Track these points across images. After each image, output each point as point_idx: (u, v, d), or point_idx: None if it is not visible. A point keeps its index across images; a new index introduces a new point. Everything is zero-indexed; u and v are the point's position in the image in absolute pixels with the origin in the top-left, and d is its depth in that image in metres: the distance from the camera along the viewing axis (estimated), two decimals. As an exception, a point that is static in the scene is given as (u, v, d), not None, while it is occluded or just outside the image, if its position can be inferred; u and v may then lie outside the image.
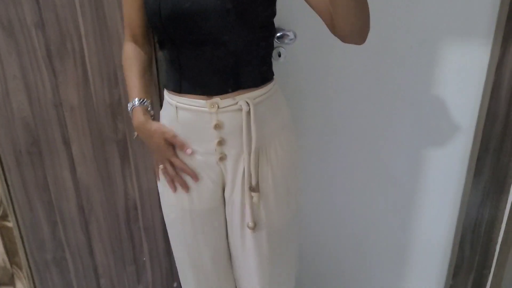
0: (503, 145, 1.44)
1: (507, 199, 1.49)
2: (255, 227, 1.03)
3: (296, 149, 1.09)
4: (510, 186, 1.48)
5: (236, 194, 1.03)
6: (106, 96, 1.34)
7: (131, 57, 1.06)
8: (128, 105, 1.04)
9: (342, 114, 1.44)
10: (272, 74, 1.03)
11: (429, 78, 1.39)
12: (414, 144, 1.48)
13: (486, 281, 1.62)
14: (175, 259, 1.23)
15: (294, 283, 1.22)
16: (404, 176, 1.52)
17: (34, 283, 0.51)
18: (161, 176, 1.08)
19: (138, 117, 1.02)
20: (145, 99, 1.03)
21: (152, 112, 1.05)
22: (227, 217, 1.09)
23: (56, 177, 1.43)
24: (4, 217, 0.48)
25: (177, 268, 1.24)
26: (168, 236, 1.19)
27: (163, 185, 1.10)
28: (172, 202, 1.08)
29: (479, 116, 1.43)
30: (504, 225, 1.51)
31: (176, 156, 1.02)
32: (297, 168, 1.10)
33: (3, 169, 0.47)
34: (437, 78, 1.39)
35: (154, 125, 1.01)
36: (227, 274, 1.20)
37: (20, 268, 0.47)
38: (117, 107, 1.35)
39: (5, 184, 0.49)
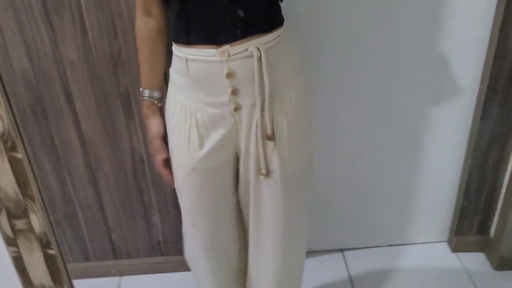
0: (511, 86, 1.42)
1: (514, 141, 1.49)
2: (268, 174, 1.03)
3: (310, 95, 1.08)
4: (517, 128, 1.47)
5: (251, 144, 1.02)
6: (106, 49, 1.32)
7: (143, 35, 1.05)
8: (140, 90, 1.10)
9: (350, 61, 1.42)
10: (282, 18, 1.00)
11: (437, 21, 1.35)
12: (421, 88, 1.46)
13: (491, 223, 1.64)
14: (183, 218, 1.22)
15: (308, 232, 1.24)
16: (411, 120, 1.51)
17: (48, 215, 0.52)
18: (172, 133, 1.07)
19: (144, 109, 1.10)
20: (155, 91, 1.09)
21: (159, 104, 1.10)
22: (240, 168, 1.08)
23: (61, 135, 1.44)
24: (13, 148, 0.48)
25: (184, 227, 1.24)
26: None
27: (173, 145, 1.07)
28: (183, 160, 1.06)
29: (487, 57, 1.40)
30: (511, 167, 1.51)
31: (163, 165, 1.13)
32: (312, 115, 1.10)
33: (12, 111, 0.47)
34: (444, 20, 1.35)
35: (153, 129, 1.10)
36: (237, 229, 1.21)
37: (33, 201, 0.48)
38: (118, 60, 1.33)
39: (11, 113, 0.49)
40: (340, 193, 1.65)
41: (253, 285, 1.26)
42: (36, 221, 0.51)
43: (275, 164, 1.03)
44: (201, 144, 1.03)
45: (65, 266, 0.56)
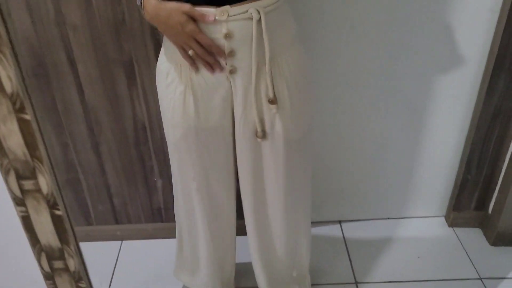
0: (518, 62, 1.40)
1: (517, 118, 1.49)
2: (265, 137, 1.05)
3: (306, 64, 1.09)
4: (521, 105, 1.47)
5: (249, 109, 1.03)
6: (109, 15, 1.30)
7: None
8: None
9: (354, 30, 1.40)
10: None
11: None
12: (427, 61, 1.44)
13: (491, 199, 1.66)
14: (174, 184, 1.25)
15: (310, 199, 1.26)
16: (416, 92, 1.50)
17: (56, 177, 0.53)
18: (167, 93, 1.06)
19: (150, 2, 0.95)
20: None
21: None
22: (236, 133, 1.10)
23: (64, 99, 1.43)
24: (22, 109, 0.48)
25: (175, 193, 1.26)
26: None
27: (167, 105, 1.08)
28: (177, 121, 1.07)
29: (496, 29, 1.38)
30: (513, 144, 1.52)
31: (200, 30, 0.94)
32: (310, 82, 1.10)
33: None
34: (453, -9, 1.33)
35: (169, 3, 0.93)
36: (232, 195, 1.23)
37: (41, 162, 0.48)
38: (121, 26, 1.32)
39: (20, 74, 0.49)
40: (340, 165, 1.66)
41: (255, 248, 1.29)
42: (44, 182, 0.51)
43: (277, 127, 1.05)
44: (196, 105, 1.04)
45: (72, 227, 0.57)
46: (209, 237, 1.26)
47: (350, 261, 1.62)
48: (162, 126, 1.17)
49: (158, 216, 1.70)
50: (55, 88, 1.41)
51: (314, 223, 1.76)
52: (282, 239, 1.26)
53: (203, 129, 1.07)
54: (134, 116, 1.47)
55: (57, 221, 0.55)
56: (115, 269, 1.63)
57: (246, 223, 1.27)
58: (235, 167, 1.18)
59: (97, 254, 1.68)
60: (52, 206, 0.54)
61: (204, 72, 1.00)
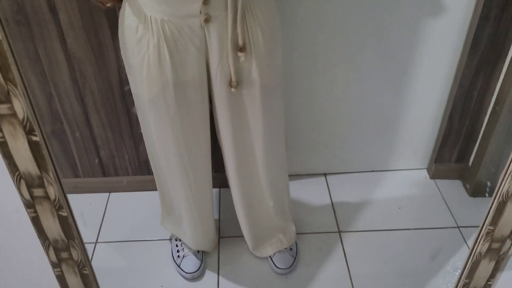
0: (503, 13, 1.40)
1: (501, 70, 1.50)
2: (239, 86, 1.06)
3: (277, 14, 1.10)
4: (505, 57, 1.47)
5: (225, 58, 1.03)
6: (90, -41, 1.27)
7: None
8: None
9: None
10: None
11: None
12: (412, 13, 1.44)
13: (471, 152, 1.69)
14: (148, 145, 1.26)
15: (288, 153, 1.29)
16: (400, 46, 1.50)
17: (30, 101, 0.53)
18: (139, 49, 1.03)
19: None
20: None
21: None
22: (214, 85, 1.09)
23: (46, 48, 1.41)
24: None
25: (150, 151, 1.28)
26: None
27: (140, 61, 1.04)
28: (154, 76, 1.05)
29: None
30: (495, 97, 1.54)
31: None
32: (281, 31, 1.11)
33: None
34: None
35: None
36: (208, 147, 1.24)
37: (15, 85, 0.48)
38: (103, -29, 1.28)
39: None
40: (325, 119, 1.67)
41: (238, 197, 1.32)
42: (19, 106, 0.51)
43: (254, 74, 1.06)
44: (172, 58, 1.02)
45: (50, 154, 0.58)
46: (188, 189, 1.28)
47: (334, 211, 1.66)
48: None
49: (145, 169, 1.72)
50: (37, 36, 1.39)
51: (300, 176, 1.80)
52: (263, 182, 1.29)
53: (181, 82, 1.06)
54: (118, 67, 1.46)
55: (34, 147, 0.56)
56: (103, 221, 1.66)
57: (227, 173, 1.30)
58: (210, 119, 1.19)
59: (85, 206, 1.71)
60: (29, 132, 0.54)
61: (178, 21, 0.98)
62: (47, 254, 0.73)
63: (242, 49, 1.01)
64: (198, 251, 1.48)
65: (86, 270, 0.77)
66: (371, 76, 1.57)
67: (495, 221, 0.75)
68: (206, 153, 1.25)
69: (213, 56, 1.03)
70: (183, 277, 1.46)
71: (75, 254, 0.73)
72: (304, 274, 1.46)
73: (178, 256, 1.47)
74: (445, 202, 1.68)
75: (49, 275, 0.80)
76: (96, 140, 1.62)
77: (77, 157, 1.67)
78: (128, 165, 1.70)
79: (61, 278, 0.79)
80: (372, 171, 1.82)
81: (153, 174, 1.72)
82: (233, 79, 1.05)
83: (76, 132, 1.60)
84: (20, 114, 0.52)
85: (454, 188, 1.74)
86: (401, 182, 1.78)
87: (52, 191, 0.60)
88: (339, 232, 1.59)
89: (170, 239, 1.55)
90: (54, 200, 0.61)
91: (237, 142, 1.20)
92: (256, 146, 1.21)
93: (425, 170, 1.82)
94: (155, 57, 1.02)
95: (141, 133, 1.62)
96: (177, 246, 1.50)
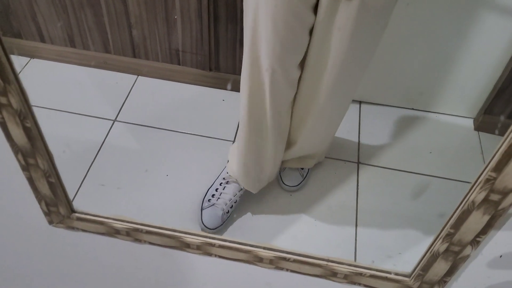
0: None
1: None
2: None
3: None
4: None
5: None
6: None
7: None
8: None
9: None
10: None
11: None
12: None
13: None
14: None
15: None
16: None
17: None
18: None
19: None
20: None
21: None
22: None
23: None
24: None
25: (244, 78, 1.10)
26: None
27: None
28: None
29: None
30: None
31: None
32: None
33: None
34: None
35: None
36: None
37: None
38: None
39: None
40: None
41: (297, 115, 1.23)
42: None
43: None
44: None
45: (8, 59, 0.52)
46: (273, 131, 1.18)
47: (359, 141, 1.57)
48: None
49: (175, 58, 1.66)
50: None
51: (332, 98, 1.69)
52: (325, 113, 1.19)
53: None
54: None
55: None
56: (126, 101, 1.66)
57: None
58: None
59: (111, 83, 1.70)
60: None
61: None
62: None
63: None
64: None
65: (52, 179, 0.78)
66: (436, 10, 1.37)
67: (500, 167, 0.63)
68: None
69: None
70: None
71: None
72: (310, 196, 1.42)
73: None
74: (483, 157, 1.53)
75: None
76: (129, 17, 1.56)
77: (109, 32, 1.62)
78: (159, 50, 1.65)
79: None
80: (412, 109, 1.67)
81: (182, 65, 1.68)
82: None
83: (111, 5, 1.54)
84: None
85: (497, 144, 1.57)
86: (441, 126, 1.63)
87: (14, 101, 0.56)
88: (358, 163, 1.51)
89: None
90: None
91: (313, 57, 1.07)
92: (330, 70, 1.07)
93: (471, 120, 1.65)
94: None
95: (175, 18, 1.55)
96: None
